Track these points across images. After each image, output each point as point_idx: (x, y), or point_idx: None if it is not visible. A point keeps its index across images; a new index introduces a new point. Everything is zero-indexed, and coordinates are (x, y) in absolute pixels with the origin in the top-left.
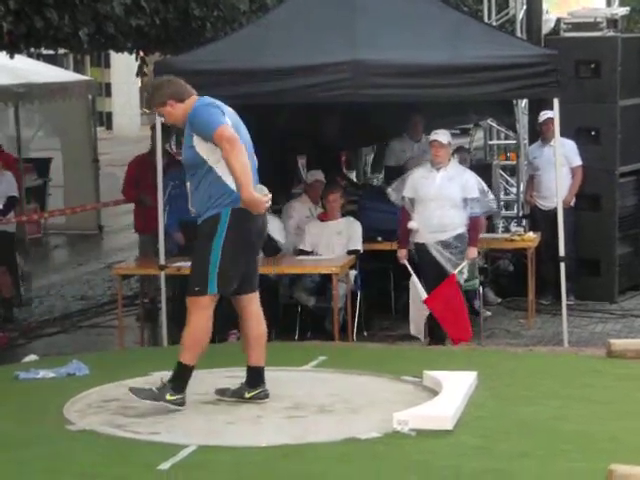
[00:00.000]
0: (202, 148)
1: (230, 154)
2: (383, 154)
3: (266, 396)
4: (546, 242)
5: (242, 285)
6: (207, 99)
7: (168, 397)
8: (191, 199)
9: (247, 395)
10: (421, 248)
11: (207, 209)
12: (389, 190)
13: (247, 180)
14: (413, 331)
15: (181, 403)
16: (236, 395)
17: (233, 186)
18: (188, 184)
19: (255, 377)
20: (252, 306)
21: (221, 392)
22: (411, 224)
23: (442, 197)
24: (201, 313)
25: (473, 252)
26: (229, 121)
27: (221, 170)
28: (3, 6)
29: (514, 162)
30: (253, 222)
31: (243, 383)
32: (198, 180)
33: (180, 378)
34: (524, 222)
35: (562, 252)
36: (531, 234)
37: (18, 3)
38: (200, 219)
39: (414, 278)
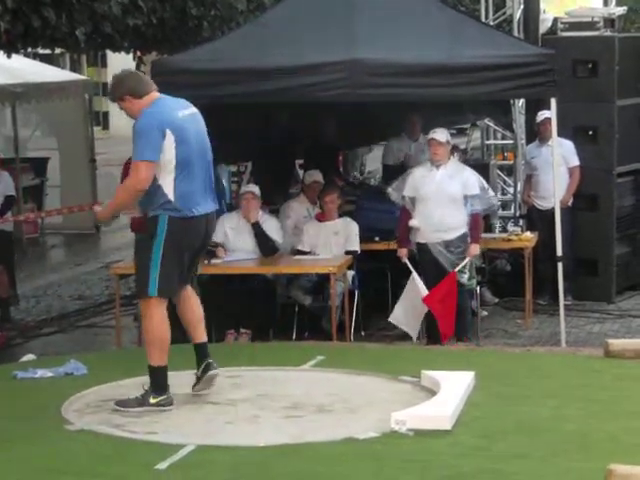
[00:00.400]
0: None
1: (128, 187)
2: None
3: (215, 368)
4: (543, 242)
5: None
6: (159, 105)
7: (151, 400)
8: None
9: (199, 373)
10: (422, 248)
11: (150, 209)
12: (389, 190)
13: (115, 207)
14: (392, 319)
15: (167, 403)
16: (198, 378)
17: (171, 196)
18: None
19: (204, 350)
20: (187, 292)
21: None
22: (412, 222)
23: (442, 195)
24: (151, 314)
25: (475, 249)
26: (167, 144)
27: (162, 179)
28: (0, 5)
29: (511, 162)
30: (190, 231)
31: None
32: None
33: (157, 380)
34: (521, 222)
35: (560, 252)
36: (528, 234)
37: (15, 2)
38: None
39: (415, 275)
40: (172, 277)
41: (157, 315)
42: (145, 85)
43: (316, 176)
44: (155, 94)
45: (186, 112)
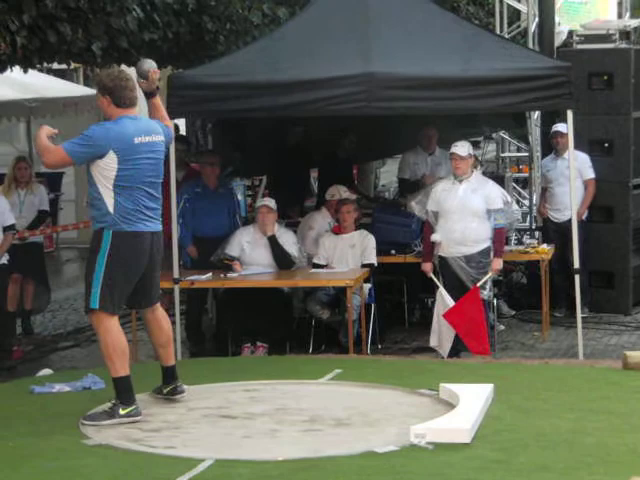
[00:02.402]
0: (92, 163)
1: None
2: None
3: (182, 391)
4: (558, 254)
5: (140, 299)
6: (119, 125)
7: (121, 412)
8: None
9: (164, 391)
10: (443, 262)
11: (95, 222)
12: (413, 204)
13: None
14: (433, 343)
15: (136, 414)
16: (156, 391)
17: (111, 208)
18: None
19: (173, 373)
20: (157, 313)
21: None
22: (434, 236)
23: (465, 209)
24: (102, 327)
25: (498, 263)
26: (108, 162)
27: (102, 191)
28: (17, 20)
29: (526, 174)
30: (133, 246)
31: (161, 382)
32: (89, 191)
33: (122, 391)
34: (537, 234)
35: (577, 264)
36: (545, 246)
37: (32, 17)
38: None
39: (442, 290)
40: (114, 291)
41: (106, 330)
42: (127, 99)
43: (344, 192)
44: (128, 111)
45: (145, 139)
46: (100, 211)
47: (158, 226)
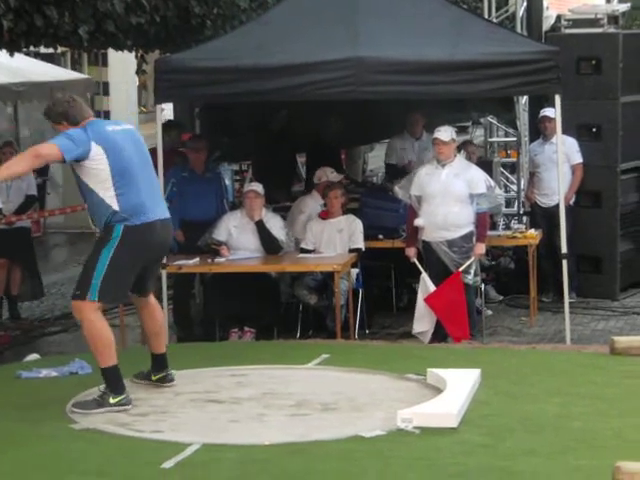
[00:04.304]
0: (80, 171)
1: (28, 153)
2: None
3: (172, 380)
4: (545, 239)
5: (138, 287)
6: (88, 125)
7: (111, 401)
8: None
9: (154, 378)
10: (427, 246)
11: (102, 222)
12: (396, 188)
13: (8, 172)
14: (416, 330)
15: (127, 402)
16: (142, 377)
17: (116, 207)
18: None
19: (164, 361)
20: (150, 301)
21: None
22: (417, 221)
23: (448, 193)
24: (88, 317)
25: (481, 248)
26: (96, 156)
27: (102, 193)
28: (3, 4)
29: (514, 159)
30: (143, 239)
31: (151, 369)
32: (86, 200)
33: (112, 381)
34: (524, 219)
35: (564, 249)
36: (533, 231)
37: (18, 1)
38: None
39: (424, 275)
40: (116, 284)
41: (92, 320)
42: (82, 112)
43: (330, 174)
44: (89, 119)
45: (117, 127)
46: (104, 212)
47: (165, 212)
